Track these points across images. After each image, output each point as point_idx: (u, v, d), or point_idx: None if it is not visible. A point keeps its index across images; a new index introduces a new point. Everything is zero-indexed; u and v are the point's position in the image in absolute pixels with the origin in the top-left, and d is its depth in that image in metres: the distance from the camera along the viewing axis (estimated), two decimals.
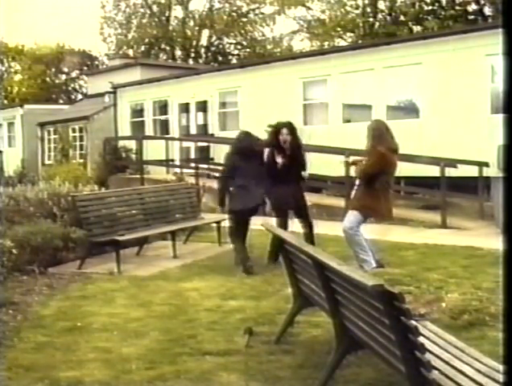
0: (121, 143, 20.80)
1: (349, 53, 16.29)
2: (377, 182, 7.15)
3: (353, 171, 7.98)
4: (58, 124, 26.19)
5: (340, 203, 12.69)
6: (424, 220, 11.58)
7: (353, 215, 7.36)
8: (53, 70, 42.19)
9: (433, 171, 11.91)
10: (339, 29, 31.71)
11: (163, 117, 21.64)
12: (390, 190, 7.53)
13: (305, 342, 4.84)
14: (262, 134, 9.40)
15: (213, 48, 40.95)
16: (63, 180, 11.68)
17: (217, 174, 17.08)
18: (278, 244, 7.44)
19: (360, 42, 27.19)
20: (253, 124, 17.56)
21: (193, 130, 20.63)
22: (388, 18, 30.73)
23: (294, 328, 4.99)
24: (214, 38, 40.80)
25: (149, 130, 21.77)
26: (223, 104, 19.54)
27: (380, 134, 7.25)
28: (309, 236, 8.05)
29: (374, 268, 7.01)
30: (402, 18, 29.55)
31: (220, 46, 41.18)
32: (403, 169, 11.03)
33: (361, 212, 7.26)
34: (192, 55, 40.26)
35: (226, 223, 10.06)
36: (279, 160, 8.10)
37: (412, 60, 14.65)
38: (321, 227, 10.14)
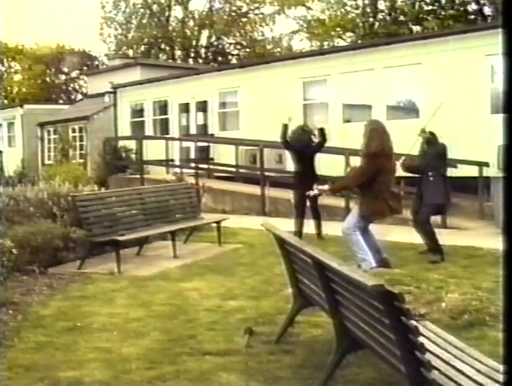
0: (121, 143, 20.79)
1: (349, 53, 16.28)
2: (375, 184, 7.13)
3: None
4: (58, 124, 26.19)
5: (340, 203, 12.70)
6: None
7: (351, 217, 7.40)
8: (53, 70, 42.19)
9: None
10: (339, 29, 31.72)
11: (163, 117, 21.65)
12: (391, 189, 7.50)
13: (305, 342, 4.84)
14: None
15: (213, 48, 40.95)
16: (63, 180, 11.68)
17: (217, 174, 17.25)
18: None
19: (360, 42, 27.19)
20: (253, 124, 17.68)
21: (193, 130, 20.64)
22: (388, 18, 30.74)
23: (294, 328, 4.99)
24: (214, 38, 40.81)
25: (149, 130, 21.77)
26: (223, 104, 19.54)
27: (376, 135, 7.22)
28: None
29: (374, 268, 7.02)
30: (402, 18, 29.58)
31: (220, 46, 41.18)
32: None
33: (362, 215, 7.28)
34: (192, 55, 40.27)
35: (226, 223, 10.09)
36: None
37: (412, 60, 14.65)
38: (321, 227, 10.17)
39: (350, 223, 7.31)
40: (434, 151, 8.31)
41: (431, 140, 8.40)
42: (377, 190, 7.12)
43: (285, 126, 10.16)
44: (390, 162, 7.33)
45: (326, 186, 8.27)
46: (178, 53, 40.61)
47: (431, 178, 8.11)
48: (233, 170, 17.10)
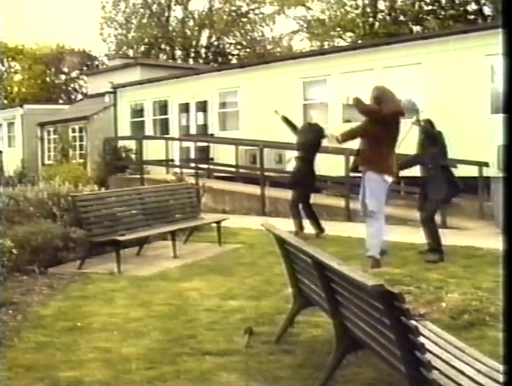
0: (121, 143, 20.79)
1: (349, 53, 16.29)
2: (383, 141, 7.32)
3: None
4: (58, 124, 26.20)
5: (340, 203, 12.71)
6: None
7: (371, 192, 7.39)
8: (53, 70, 42.20)
9: None
10: (339, 29, 31.72)
11: (163, 117, 21.65)
12: (393, 152, 7.64)
13: (305, 342, 4.84)
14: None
15: (213, 48, 40.97)
16: (63, 180, 11.66)
17: (217, 174, 17.25)
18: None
19: (360, 42, 27.19)
20: (253, 124, 17.69)
21: (193, 130, 20.64)
22: (388, 18, 30.74)
23: (294, 328, 4.99)
24: (214, 38, 40.83)
25: (149, 130, 21.77)
26: (223, 104, 19.54)
27: (384, 97, 7.46)
28: None
29: (372, 259, 7.11)
30: (402, 18, 29.59)
31: (220, 46, 41.20)
32: None
33: (378, 172, 7.37)
34: (192, 55, 40.29)
35: (226, 223, 10.09)
36: None
37: (412, 60, 14.65)
38: (320, 226, 10.17)
39: (379, 200, 7.35)
40: (432, 141, 8.28)
41: (427, 128, 8.36)
42: (384, 145, 7.37)
43: (285, 118, 10.61)
44: (398, 120, 7.53)
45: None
46: (178, 53, 40.64)
47: (431, 172, 8.12)
48: (233, 170, 17.10)
